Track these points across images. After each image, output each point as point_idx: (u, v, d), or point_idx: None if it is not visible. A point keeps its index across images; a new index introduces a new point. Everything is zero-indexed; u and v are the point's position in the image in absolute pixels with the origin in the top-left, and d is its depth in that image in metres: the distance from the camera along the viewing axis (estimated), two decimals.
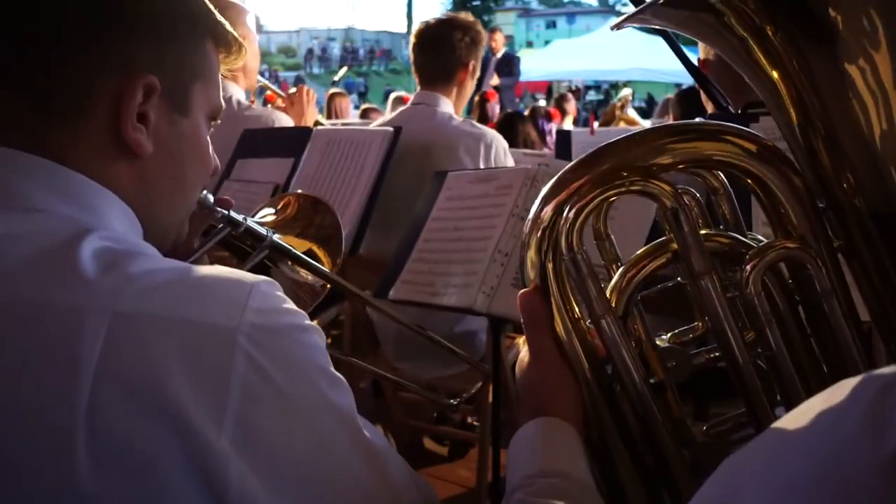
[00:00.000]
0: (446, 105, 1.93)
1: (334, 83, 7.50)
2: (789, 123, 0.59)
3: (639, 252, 0.65)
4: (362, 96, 29.15)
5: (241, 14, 2.06)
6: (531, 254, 0.63)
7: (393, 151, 1.60)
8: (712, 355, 0.64)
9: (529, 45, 58.63)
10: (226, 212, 0.81)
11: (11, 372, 0.44)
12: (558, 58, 17.41)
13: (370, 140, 1.63)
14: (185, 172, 0.66)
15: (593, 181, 0.60)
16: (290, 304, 0.54)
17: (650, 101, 21.61)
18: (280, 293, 0.53)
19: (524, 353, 0.65)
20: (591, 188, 0.60)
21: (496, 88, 6.87)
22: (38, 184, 0.54)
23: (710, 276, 0.59)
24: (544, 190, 0.62)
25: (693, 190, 0.64)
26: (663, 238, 0.63)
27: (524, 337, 0.65)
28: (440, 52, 1.92)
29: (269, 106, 2.56)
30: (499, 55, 7.07)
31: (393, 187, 1.64)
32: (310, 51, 35.95)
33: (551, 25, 65.86)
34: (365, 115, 4.51)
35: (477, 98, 5.39)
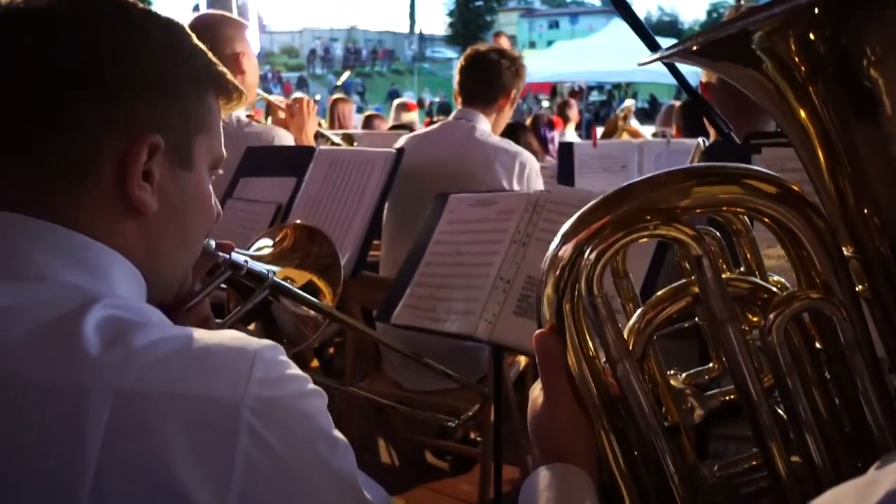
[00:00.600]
0: (485, 123, 2.04)
1: (337, 87, 7.47)
2: (816, 163, 0.58)
3: (658, 294, 0.65)
4: (360, 96, 29.24)
5: (241, 30, 2.07)
6: (548, 291, 0.62)
7: (395, 173, 1.60)
8: (728, 397, 0.65)
9: (532, 45, 58.57)
10: (227, 256, 0.81)
11: (15, 452, 0.44)
12: (561, 59, 17.41)
13: (373, 161, 1.63)
14: (189, 226, 0.67)
15: (615, 223, 0.60)
16: (293, 370, 0.54)
17: (653, 101, 21.60)
18: (283, 357, 0.54)
19: (538, 392, 0.65)
20: (613, 230, 0.60)
21: None
22: (44, 248, 0.54)
23: (732, 323, 0.59)
24: (564, 228, 0.62)
25: (713, 230, 0.64)
26: (683, 281, 0.63)
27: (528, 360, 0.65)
28: (488, 75, 2.04)
29: (269, 120, 2.56)
30: None
31: (429, 201, 1.65)
32: (312, 51, 35.96)
33: (554, 25, 65.82)
34: (368, 122, 4.51)
35: None
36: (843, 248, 0.60)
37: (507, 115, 2.18)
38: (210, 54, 0.69)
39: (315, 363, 2.75)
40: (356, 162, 1.66)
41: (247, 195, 1.80)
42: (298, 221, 1.15)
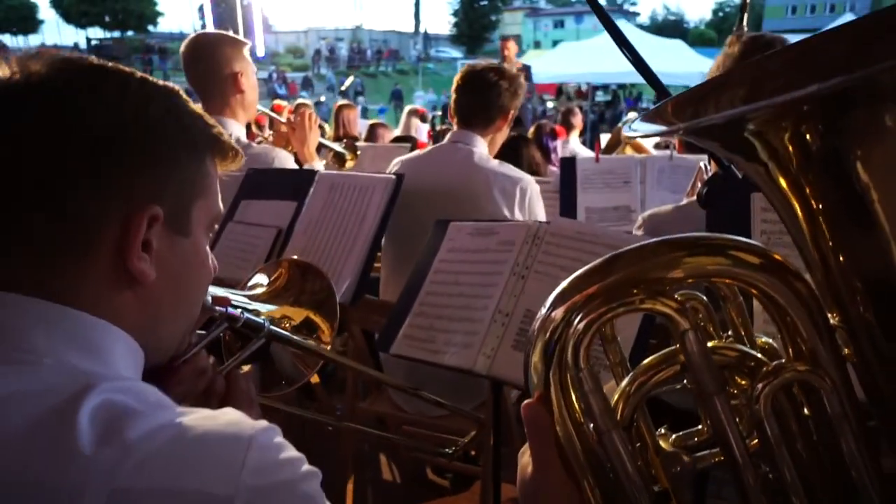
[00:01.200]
0: (482, 145, 1.98)
1: (342, 92, 7.47)
2: (801, 235, 0.59)
3: (648, 360, 0.66)
4: (359, 95, 29.32)
5: (240, 49, 2.07)
6: (536, 360, 0.63)
7: (396, 198, 1.60)
8: (718, 459, 0.65)
9: (537, 44, 58.51)
10: (224, 309, 0.81)
11: None
12: (567, 60, 17.37)
13: (373, 187, 1.63)
14: (187, 290, 0.67)
15: (604, 293, 0.60)
16: (288, 452, 0.54)
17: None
18: (278, 440, 0.53)
19: (527, 458, 0.65)
20: (601, 303, 0.60)
21: None
22: (43, 330, 0.55)
23: (718, 395, 0.60)
24: (554, 294, 0.63)
25: (700, 296, 0.65)
26: (673, 348, 0.64)
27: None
28: (485, 96, 1.96)
29: (270, 135, 2.55)
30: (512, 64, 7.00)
31: (427, 227, 1.64)
32: (317, 52, 35.97)
33: (559, 25, 65.80)
34: (372, 131, 4.50)
35: None
36: (830, 316, 0.61)
37: (504, 133, 2.12)
38: (206, 117, 0.69)
39: (316, 378, 2.75)
40: (356, 187, 1.65)
41: (247, 218, 1.80)
42: (294, 258, 1.15)
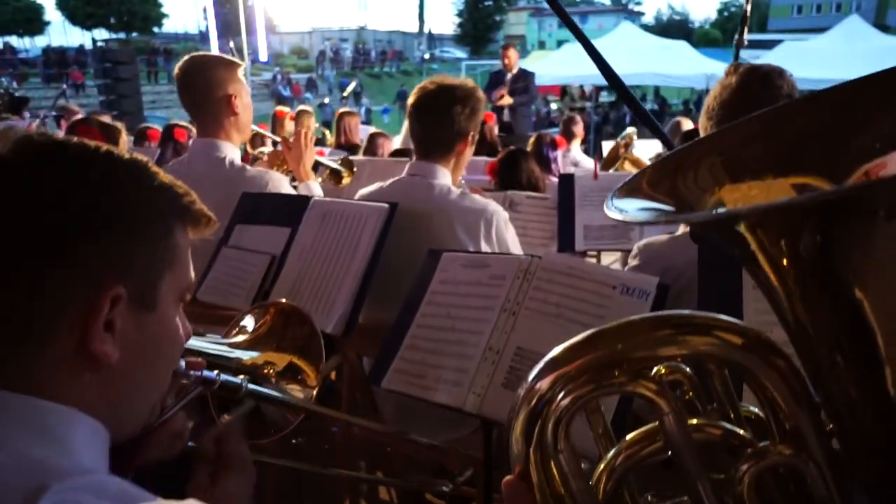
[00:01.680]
0: (443, 176, 1.86)
1: (344, 98, 7.45)
2: (782, 310, 0.59)
3: (632, 435, 0.66)
4: (358, 95, 29.36)
5: (234, 71, 2.06)
6: (517, 433, 0.64)
7: (388, 228, 1.59)
8: None
9: (542, 45, 58.42)
10: (198, 373, 0.80)
11: None
12: (571, 61, 17.30)
13: (366, 215, 1.62)
14: (155, 364, 0.66)
15: (590, 371, 0.61)
16: None
17: (662, 103, 21.48)
18: None
19: None
20: (586, 381, 0.61)
21: (511, 108, 6.79)
22: (2, 419, 0.54)
23: (700, 478, 0.60)
24: (542, 362, 0.63)
25: (684, 367, 0.65)
26: (656, 423, 0.64)
27: None
28: (440, 124, 1.83)
29: (265, 154, 2.53)
30: (514, 71, 6.85)
31: (389, 261, 1.63)
32: (322, 53, 35.99)
33: (564, 25, 65.49)
34: (372, 141, 4.49)
35: None
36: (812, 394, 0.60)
37: (467, 156, 1.96)
38: (177, 185, 0.68)
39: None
40: (350, 215, 1.64)
41: (242, 243, 1.80)
42: (282, 300, 1.14)
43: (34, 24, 38.48)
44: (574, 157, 5.00)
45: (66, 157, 0.60)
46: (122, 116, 10.51)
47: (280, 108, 7.20)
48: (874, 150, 0.62)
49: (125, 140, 2.59)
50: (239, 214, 1.87)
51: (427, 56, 46.68)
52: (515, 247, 1.84)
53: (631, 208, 0.58)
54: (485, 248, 1.73)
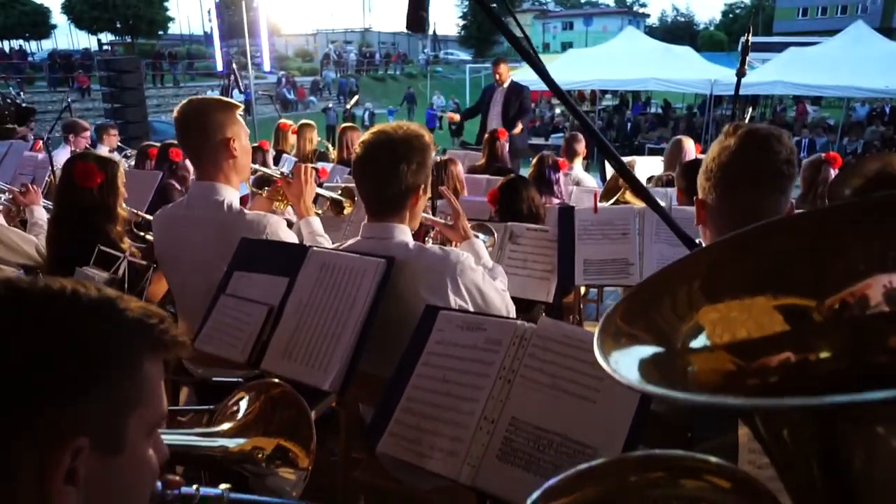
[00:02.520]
0: (400, 233, 1.77)
1: (346, 112, 7.45)
2: (778, 468, 0.59)
3: None
4: (352, 95, 29.34)
5: (231, 113, 2.07)
6: None
7: (385, 283, 1.59)
8: None
9: (546, 47, 58.37)
10: (176, 492, 0.79)
11: None
12: (575, 66, 17.28)
13: (363, 270, 1.62)
14: (128, 501, 0.64)
15: None
16: None
17: (666, 107, 21.41)
18: None
19: None
20: None
21: (506, 127, 6.73)
22: None
23: None
24: (536, 493, 0.64)
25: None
26: None
27: None
28: (388, 184, 1.72)
29: (266, 192, 2.53)
30: (505, 85, 6.75)
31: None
32: (326, 55, 36.01)
33: (568, 27, 65.61)
34: (343, 136, 4.46)
35: (487, 136, 5.34)
36: None
37: (422, 204, 1.84)
38: (148, 313, 0.65)
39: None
40: (347, 269, 1.64)
41: (240, 292, 1.80)
42: (272, 380, 1.14)
43: (41, 27, 38.67)
44: (576, 176, 4.99)
45: (23, 306, 0.59)
46: (126, 124, 10.56)
47: (283, 120, 7.23)
48: (858, 272, 0.62)
49: (122, 172, 2.61)
50: (237, 260, 1.88)
51: (431, 58, 46.66)
52: (490, 287, 1.79)
53: (628, 371, 0.58)
54: (457, 302, 1.66)
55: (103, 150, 6.84)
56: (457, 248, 1.76)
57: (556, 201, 4.08)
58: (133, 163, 6.72)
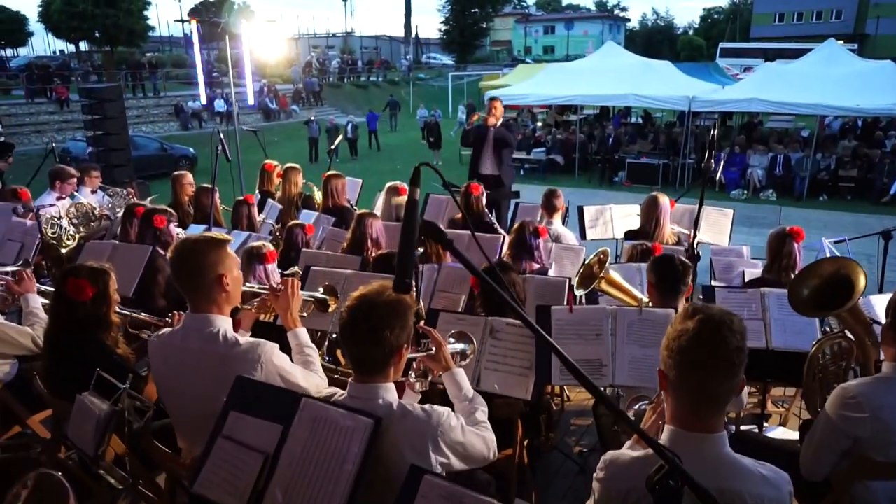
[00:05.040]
0: (385, 392, 1.87)
1: (330, 152, 7.55)
2: None
3: None
4: (316, 95, 29.94)
5: (223, 251, 2.22)
6: None
7: (374, 444, 1.72)
8: None
9: (528, 50, 58.72)
10: None
11: None
12: (555, 81, 17.50)
13: (352, 430, 1.74)
14: None
15: None
16: None
17: (647, 118, 21.68)
18: None
19: None
20: None
21: (497, 161, 7.13)
22: None
23: None
24: None
25: None
26: None
27: None
28: (374, 349, 1.83)
29: (254, 305, 2.64)
30: (499, 124, 7.32)
31: None
32: (308, 63, 35.96)
33: (549, 31, 66.05)
34: (361, 223, 4.58)
35: (462, 191, 5.52)
36: None
37: (405, 359, 1.94)
38: None
39: None
40: (337, 427, 1.76)
41: (236, 435, 1.91)
42: None
43: (16, 35, 38.18)
44: (556, 231, 5.16)
45: None
46: (108, 152, 10.56)
47: (268, 161, 7.29)
48: None
49: (114, 281, 2.71)
50: (233, 400, 1.99)
51: (413, 65, 46.73)
52: (470, 435, 1.91)
53: None
54: (438, 460, 1.78)
55: (86, 192, 6.90)
56: (438, 408, 1.86)
57: (537, 266, 4.24)
58: (114, 202, 6.79)
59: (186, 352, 2.17)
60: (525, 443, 3.09)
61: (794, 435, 3.60)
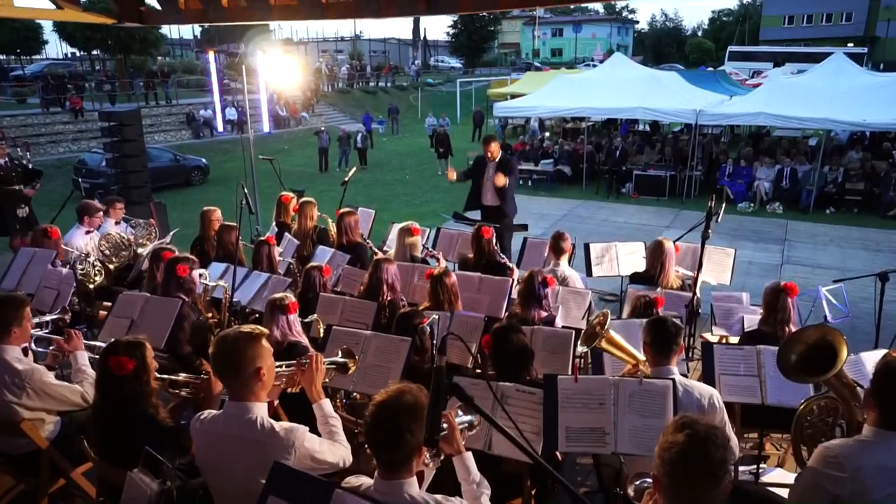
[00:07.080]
0: (409, 486, 2.05)
1: (344, 183, 7.78)
2: None
3: None
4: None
5: (259, 344, 2.42)
6: None
7: None
8: None
9: (536, 53, 58.78)
10: None
11: None
12: (563, 93, 17.64)
13: None
14: None
15: None
16: None
17: (654, 126, 21.80)
18: None
19: None
20: None
21: (499, 193, 7.32)
22: None
23: None
24: None
25: None
26: None
27: None
28: (397, 450, 2.02)
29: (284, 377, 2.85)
30: (496, 160, 7.53)
31: None
32: (318, 69, 36.26)
33: (557, 33, 66.13)
34: (377, 269, 4.80)
35: (472, 234, 5.75)
36: None
37: (423, 453, 2.12)
38: None
39: None
40: None
41: None
42: None
43: (31, 43, 38.74)
44: (563, 273, 5.36)
45: None
46: (126, 174, 10.86)
47: (285, 193, 7.53)
48: None
49: (150, 350, 2.93)
50: (271, 484, 2.21)
51: (421, 68, 46.92)
52: None
53: None
54: None
55: (110, 223, 7.18)
56: (453, 499, 2.09)
57: (545, 314, 4.46)
58: (137, 233, 7.06)
59: (228, 438, 2.41)
60: (533, 492, 3.32)
61: (791, 478, 3.80)
